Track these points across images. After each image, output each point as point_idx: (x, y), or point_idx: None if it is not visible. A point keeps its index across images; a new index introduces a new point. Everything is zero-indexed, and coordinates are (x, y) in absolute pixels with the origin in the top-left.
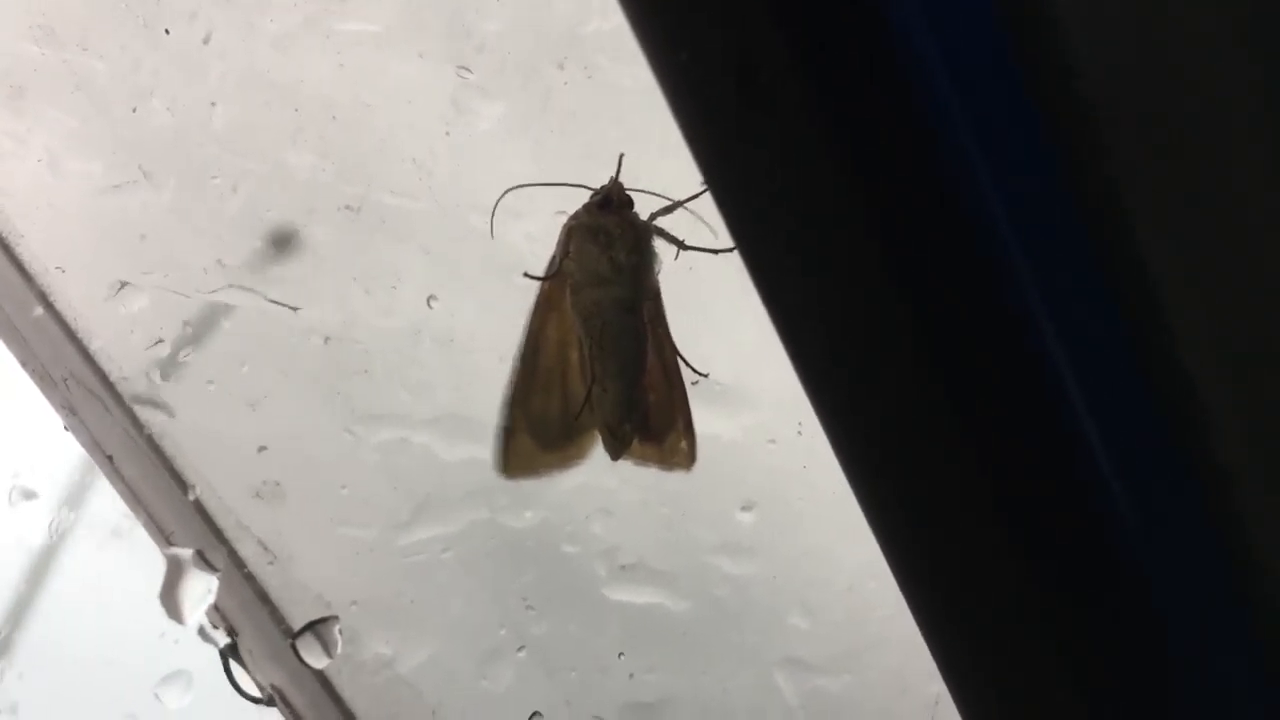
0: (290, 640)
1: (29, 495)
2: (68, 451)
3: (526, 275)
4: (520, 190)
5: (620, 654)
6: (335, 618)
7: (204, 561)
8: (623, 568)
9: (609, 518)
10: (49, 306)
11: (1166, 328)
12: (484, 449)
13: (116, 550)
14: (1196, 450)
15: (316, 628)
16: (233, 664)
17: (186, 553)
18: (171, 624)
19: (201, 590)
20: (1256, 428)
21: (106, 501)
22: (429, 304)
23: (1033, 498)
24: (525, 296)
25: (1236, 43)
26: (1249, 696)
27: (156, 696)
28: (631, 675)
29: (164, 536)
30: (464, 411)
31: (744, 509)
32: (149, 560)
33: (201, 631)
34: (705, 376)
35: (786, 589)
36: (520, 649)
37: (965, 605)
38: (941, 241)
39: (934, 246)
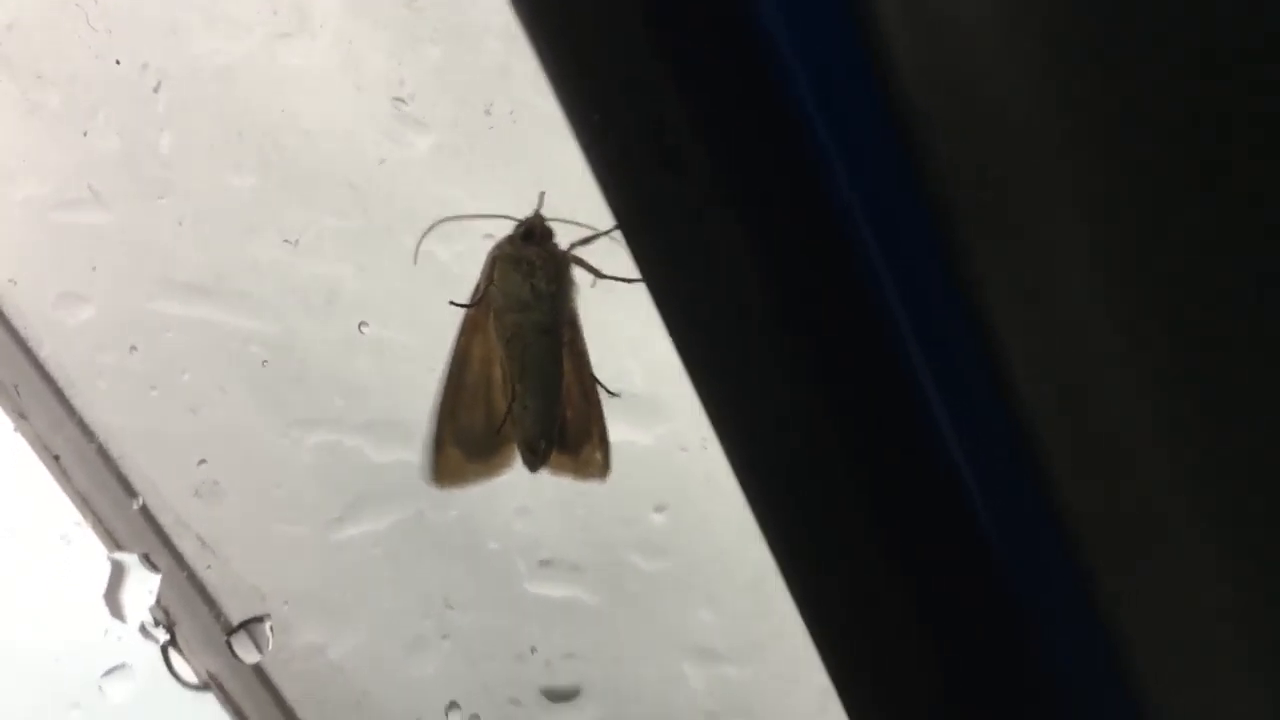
0: (225, 637)
1: None
2: (17, 452)
3: (453, 303)
4: (449, 209)
5: (535, 646)
6: (267, 616)
7: (148, 563)
8: (542, 563)
9: (529, 516)
10: (0, 316)
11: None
12: (412, 452)
13: (63, 550)
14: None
15: (249, 626)
16: (171, 653)
17: (131, 557)
18: (115, 622)
19: (144, 591)
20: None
21: (53, 502)
22: (360, 328)
23: (900, 503)
24: (453, 311)
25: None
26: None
27: (99, 689)
28: (548, 663)
29: (110, 537)
30: (394, 417)
31: (656, 510)
32: (94, 558)
33: (143, 628)
34: (617, 395)
35: (695, 585)
36: (444, 637)
37: (838, 601)
38: (818, 277)
39: (810, 281)
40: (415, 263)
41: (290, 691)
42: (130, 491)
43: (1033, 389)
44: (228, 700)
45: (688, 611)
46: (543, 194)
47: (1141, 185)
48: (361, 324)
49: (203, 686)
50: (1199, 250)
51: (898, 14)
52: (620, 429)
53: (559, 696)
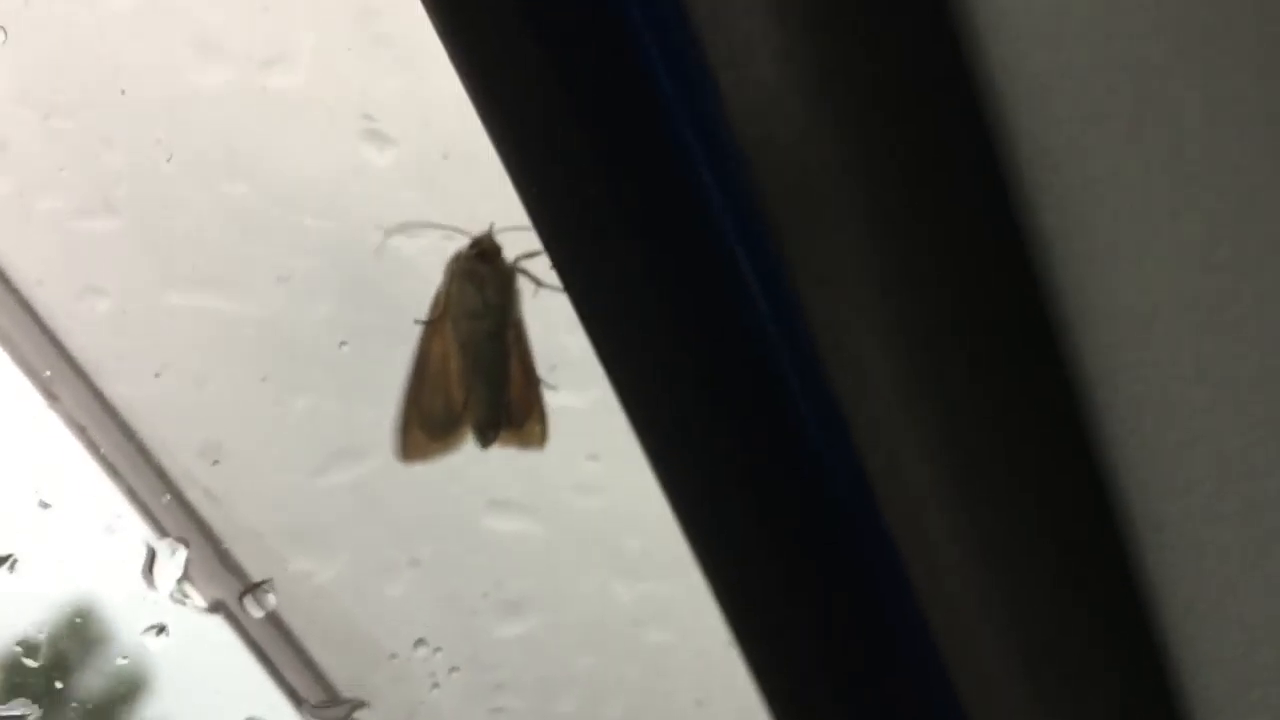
0: (239, 598)
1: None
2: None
3: (417, 321)
4: (414, 213)
5: (488, 570)
6: (270, 581)
7: (180, 541)
8: (493, 502)
9: (484, 464)
10: (31, 312)
11: None
12: (381, 412)
13: (97, 513)
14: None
15: (254, 592)
16: (185, 584)
17: (165, 541)
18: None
19: (175, 566)
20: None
21: (83, 470)
22: (342, 346)
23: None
24: (416, 294)
25: None
26: None
27: (142, 645)
28: (499, 583)
29: (131, 493)
30: (367, 384)
31: (589, 459)
32: (129, 530)
33: (172, 596)
34: (554, 389)
35: (623, 518)
36: (411, 564)
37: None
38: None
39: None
40: (378, 257)
41: (283, 609)
42: (146, 455)
43: None
44: (232, 620)
45: (618, 540)
46: (492, 224)
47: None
48: (341, 340)
49: (212, 610)
50: None
51: None
52: (559, 394)
53: (508, 609)
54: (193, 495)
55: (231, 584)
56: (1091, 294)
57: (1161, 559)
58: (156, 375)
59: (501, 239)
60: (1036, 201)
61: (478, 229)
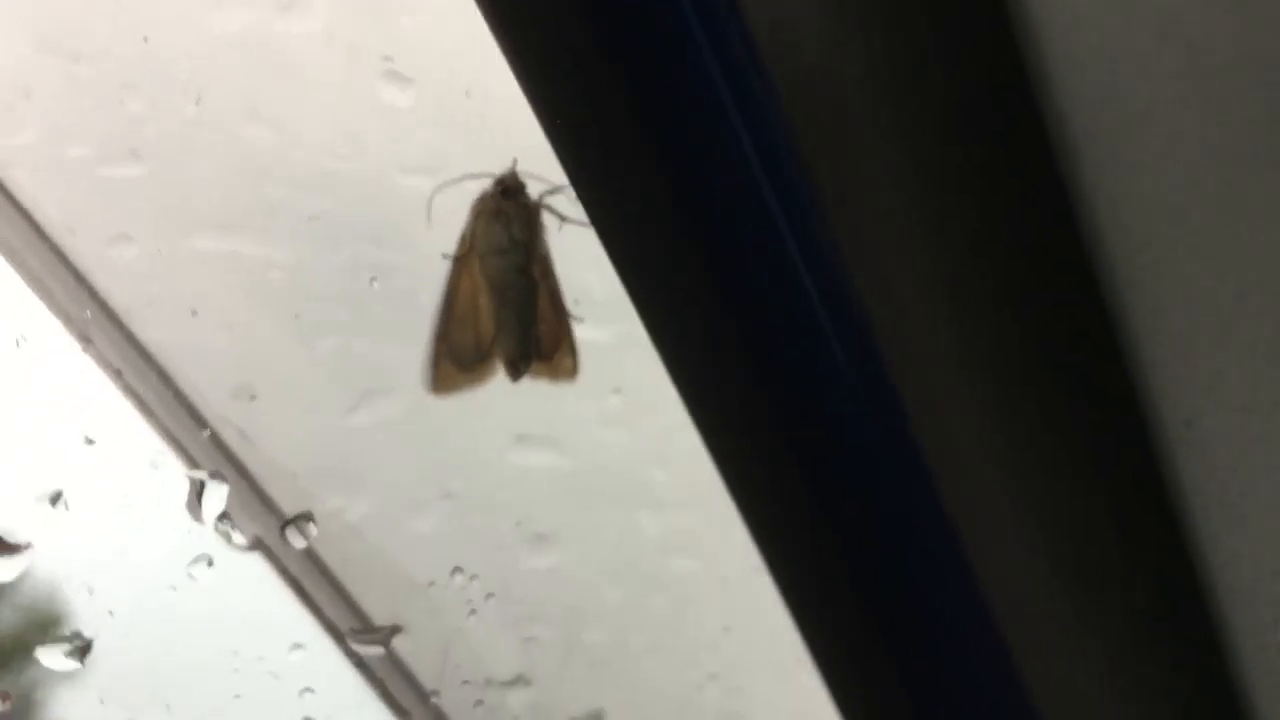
0: (279, 528)
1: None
2: (86, 370)
3: (445, 256)
4: (436, 154)
5: (515, 503)
6: (309, 513)
7: (218, 476)
8: (519, 437)
9: (511, 399)
10: (64, 259)
11: None
12: (408, 351)
13: (136, 455)
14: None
15: (296, 524)
16: (224, 524)
17: (203, 474)
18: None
19: (217, 500)
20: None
21: (118, 410)
22: (373, 282)
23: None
24: (440, 238)
25: None
26: None
27: (190, 575)
28: (527, 516)
29: (167, 433)
30: (393, 324)
31: (614, 392)
32: (168, 470)
33: (216, 528)
34: (581, 320)
35: (647, 450)
36: (442, 497)
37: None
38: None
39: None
40: (429, 223)
41: (319, 546)
42: (180, 396)
43: None
44: (271, 556)
45: (643, 471)
46: (515, 160)
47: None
48: (371, 279)
49: (251, 547)
50: None
51: None
52: (585, 328)
53: (536, 540)
54: (227, 435)
55: (268, 521)
56: (1120, 195)
57: (1190, 454)
58: (186, 320)
59: (525, 176)
60: (1065, 107)
61: (501, 168)
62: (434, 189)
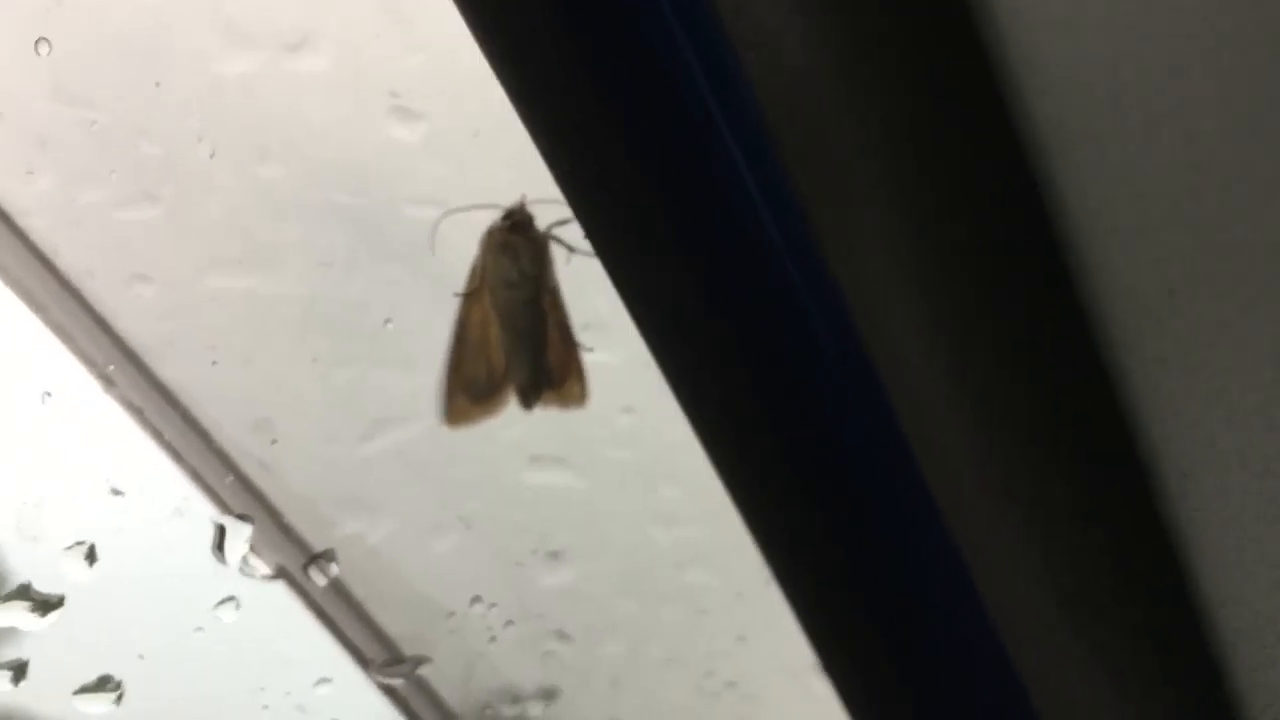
0: (303, 566)
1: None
2: (108, 411)
3: (456, 294)
4: (444, 187)
5: (531, 522)
6: (332, 550)
7: (243, 519)
8: (533, 458)
9: (523, 423)
10: (83, 302)
11: None
12: (421, 379)
13: (160, 495)
14: None
15: (318, 560)
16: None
17: (226, 518)
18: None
19: (241, 541)
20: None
21: (140, 449)
22: (386, 324)
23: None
24: (449, 266)
25: None
26: None
27: (216, 616)
28: (543, 535)
29: (191, 470)
30: (407, 354)
31: (624, 412)
32: (194, 513)
33: (241, 569)
34: (590, 350)
35: (658, 468)
36: (458, 520)
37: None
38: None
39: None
40: (433, 251)
41: (341, 571)
42: (200, 432)
43: None
44: (294, 584)
45: (654, 488)
46: (524, 195)
47: None
48: (389, 321)
49: (275, 576)
50: None
51: None
52: (593, 353)
53: (552, 557)
54: (247, 468)
55: (289, 551)
56: (1112, 272)
57: (1187, 503)
58: (204, 356)
59: (532, 209)
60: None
61: (509, 201)
62: (440, 217)
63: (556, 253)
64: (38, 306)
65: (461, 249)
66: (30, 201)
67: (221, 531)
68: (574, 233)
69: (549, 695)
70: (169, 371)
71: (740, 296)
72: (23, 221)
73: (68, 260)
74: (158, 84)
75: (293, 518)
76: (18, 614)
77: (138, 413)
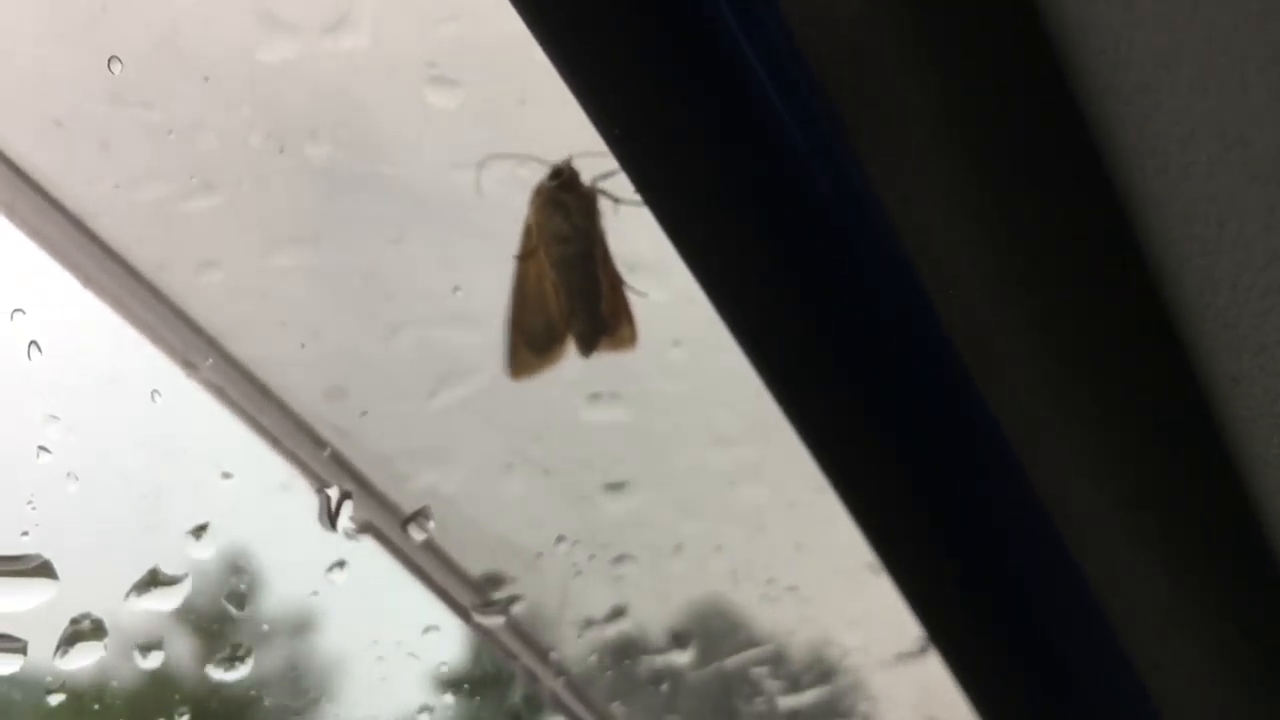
0: (401, 524)
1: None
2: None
3: (515, 256)
4: (486, 149)
5: (593, 457)
6: (427, 508)
7: (342, 492)
8: (591, 396)
9: (578, 364)
10: (160, 297)
11: None
12: (481, 335)
13: (259, 471)
14: None
15: (417, 518)
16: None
17: (335, 490)
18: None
19: (344, 508)
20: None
21: (227, 427)
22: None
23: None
24: (492, 228)
25: None
26: None
27: (329, 579)
28: (605, 468)
29: (276, 442)
30: (465, 311)
31: (675, 345)
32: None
33: (346, 534)
34: (645, 295)
35: (710, 396)
36: (526, 463)
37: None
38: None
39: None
40: (478, 193)
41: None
42: (279, 404)
43: None
44: (381, 536)
45: (707, 415)
46: (569, 156)
47: None
48: (448, 276)
49: (361, 531)
50: None
51: None
52: (643, 288)
53: (615, 488)
54: (324, 432)
55: (376, 509)
56: (1170, 191)
57: (1239, 407)
58: (276, 332)
59: (578, 163)
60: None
61: (554, 157)
62: (483, 160)
63: (603, 205)
64: (121, 307)
65: (508, 207)
66: (99, 203)
67: (328, 500)
68: (618, 183)
69: (621, 612)
70: (244, 350)
71: (786, 218)
72: (94, 223)
73: (139, 255)
74: (206, 78)
75: (370, 476)
76: (151, 598)
77: (219, 391)
